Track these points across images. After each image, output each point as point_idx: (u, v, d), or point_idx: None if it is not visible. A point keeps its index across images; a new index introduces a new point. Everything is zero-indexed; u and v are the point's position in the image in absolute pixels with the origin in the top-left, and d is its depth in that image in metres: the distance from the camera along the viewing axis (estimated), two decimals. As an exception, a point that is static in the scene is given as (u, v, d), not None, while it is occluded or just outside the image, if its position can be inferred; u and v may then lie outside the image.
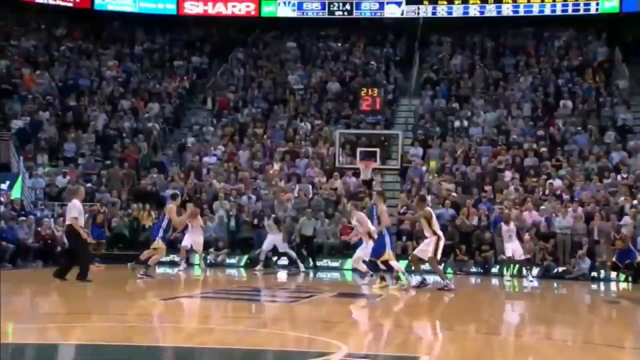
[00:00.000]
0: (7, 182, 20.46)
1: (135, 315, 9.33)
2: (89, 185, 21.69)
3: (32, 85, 25.09)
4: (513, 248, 16.10)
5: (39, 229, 17.88)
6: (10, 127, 23.26)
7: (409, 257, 14.73)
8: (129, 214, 20.39)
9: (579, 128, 23.15)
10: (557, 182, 20.47)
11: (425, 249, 13.15)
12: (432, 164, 22.30)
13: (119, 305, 10.44)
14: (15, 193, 20.27)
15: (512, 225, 16.09)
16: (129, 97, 26.09)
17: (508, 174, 21.24)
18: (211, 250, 19.25)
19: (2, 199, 18.50)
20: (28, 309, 9.73)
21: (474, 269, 18.83)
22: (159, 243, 14.05)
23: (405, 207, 20.15)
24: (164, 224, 14.13)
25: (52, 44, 27.87)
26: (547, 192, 20.24)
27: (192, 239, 17.11)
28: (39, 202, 19.92)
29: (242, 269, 18.69)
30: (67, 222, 13.09)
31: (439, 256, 13.36)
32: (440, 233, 13.17)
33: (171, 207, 14.21)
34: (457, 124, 24.26)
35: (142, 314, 9.32)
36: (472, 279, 17.85)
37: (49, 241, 17.87)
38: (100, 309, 9.94)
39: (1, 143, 22.91)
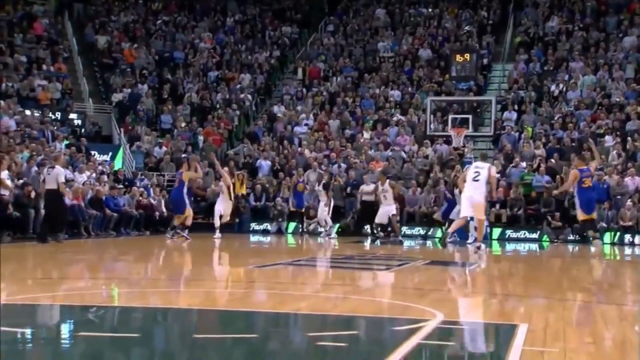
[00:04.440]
0: (110, 154, 21.35)
1: (231, 281, 9.59)
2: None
3: (131, 59, 25.95)
4: None
5: (140, 198, 18.59)
6: (112, 100, 24.21)
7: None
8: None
9: (687, 89, 21.94)
10: (663, 146, 19.53)
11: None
12: (529, 130, 21.71)
13: (215, 272, 10.77)
14: (117, 164, 21.14)
15: None
16: (221, 69, 26.59)
17: (608, 139, 20.40)
18: (304, 219, 19.47)
19: (105, 170, 19.29)
20: (131, 275, 10.16)
21: (571, 237, 18.31)
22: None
23: (499, 173, 19.78)
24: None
25: (149, 18, 28.66)
26: (651, 156, 19.36)
27: (220, 205, 17.11)
28: (139, 172, 20.67)
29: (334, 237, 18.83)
30: (50, 187, 13.75)
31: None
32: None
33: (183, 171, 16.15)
34: (553, 88, 23.45)
35: (237, 281, 9.56)
36: (570, 247, 17.36)
37: (149, 210, 18.60)
38: (197, 275, 10.27)
39: (103, 116, 23.92)
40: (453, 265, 12.58)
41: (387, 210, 16.30)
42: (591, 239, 14.05)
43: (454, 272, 11.63)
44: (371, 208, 19.11)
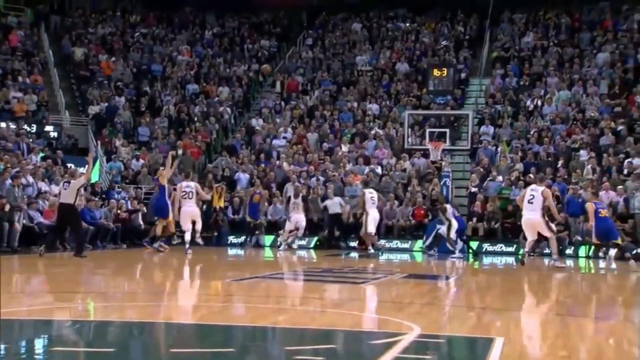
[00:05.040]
0: (86, 166, 21.12)
1: (209, 295, 9.55)
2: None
3: (109, 71, 25.82)
4: None
5: (119, 211, 18.45)
6: (89, 112, 24.05)
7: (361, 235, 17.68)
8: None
9: (660, 105, 22.26)
10: (637, 161, 19.78)
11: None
12: (505, 144, 21.93)
13: (193, 286, 10.71)
14: (94, 176, 20.95)
15: None
16: (200, 82, 26.56)
17: (583, 153, 20.66)
18: (281, 232, 19.43)
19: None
20: (107, 289, 10.07)
21: (547, 250, 18.43)
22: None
23: (476, 187, 19.96)
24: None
25: (127, 31, 28.57)
26: (625, 171, 19.60)
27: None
28: (116, 184, 20.53)
29: (312, 250, 18.84)
30: (66, 201, 13.84)
31: (370, 228, 16.79)
32: (369, 211, 16.74)
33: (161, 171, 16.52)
34: (528, 102, 23.73)
35: (215, 294, 9.52)
36: (546, 260, 17.50)
37: (126, 223, 18.45)
38: (174, 288, 10.21)
39: (80, 128, 23.74)
40: (430, 279, 12.64)
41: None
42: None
43: (431, 285, 11.68)
44: (339, 220, 19.24)
